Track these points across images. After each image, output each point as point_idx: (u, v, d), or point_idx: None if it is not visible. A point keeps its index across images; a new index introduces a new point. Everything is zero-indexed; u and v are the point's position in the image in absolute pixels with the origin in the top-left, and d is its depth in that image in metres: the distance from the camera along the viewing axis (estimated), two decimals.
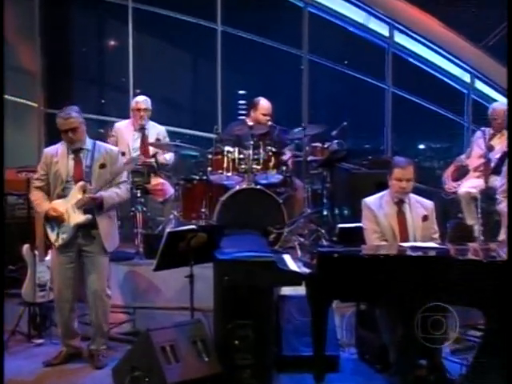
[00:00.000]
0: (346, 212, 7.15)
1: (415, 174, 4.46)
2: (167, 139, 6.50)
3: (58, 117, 4.62)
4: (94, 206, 4.58)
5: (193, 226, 4.58)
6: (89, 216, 4.58)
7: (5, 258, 5.20)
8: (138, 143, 6.30)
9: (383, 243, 4.38)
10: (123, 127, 6.41)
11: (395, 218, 4.44)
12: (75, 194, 4.59)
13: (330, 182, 6.34)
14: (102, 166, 4.64)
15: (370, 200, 4.54)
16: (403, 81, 8.76)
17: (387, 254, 3.97)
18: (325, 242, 5.92)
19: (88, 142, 4.70)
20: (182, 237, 4.41)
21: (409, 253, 3.94)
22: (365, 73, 8.67)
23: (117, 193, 4.68)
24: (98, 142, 4.77)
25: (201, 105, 9.11)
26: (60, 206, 4.61)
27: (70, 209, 4.58)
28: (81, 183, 4.60)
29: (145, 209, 6.10)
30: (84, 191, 4.58)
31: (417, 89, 8.79)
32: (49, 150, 4.75)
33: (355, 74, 8.67)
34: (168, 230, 4.73)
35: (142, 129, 6.33)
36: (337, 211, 6.78)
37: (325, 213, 6.30)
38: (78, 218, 4.58)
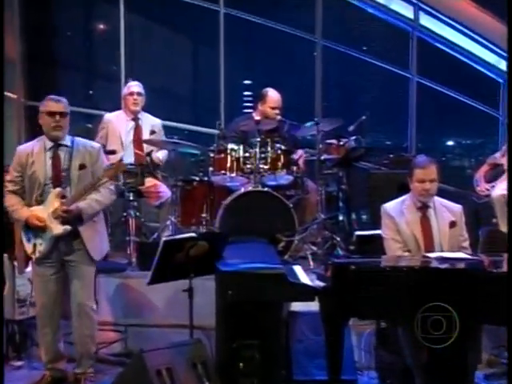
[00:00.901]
0: (364, 217, 7.16)
1: (439, 173, 4.49)
2: (162, 133, 6.56)
3: (46, 100, 4.67)
4: (72, 218, 4.59)
5: (192, 234, 4.60)
6: (67, 227, 4.58)
7: None
8: (131, 136, 6.36)
9: (406, 254, 4.41)
10: (114, 118, 6.48)
11: (418, 225, 4.47)
12: (52, 202, 4.59)
13: (346, 183, 6.36)
14: (82, 166, 4.63)
15: (390, 206, 4.56)
16: (430, 69, 8.76)
17: (410, 266, 3.99)
18: (340, 252, 5.95)
19: (67, 139, 4.71)
20: (180, 246, 4.43)
21: (435, 265, 3.96)
22: (386, 60, 8.67)
23: (97, 200, 4.64)
24: (77, 138, 4.76)
25: (201, 97, 9.15)
26: (41, 213, 4.60)
27: (47, 218, 4.59)
28: (57, 190, 4.60)
29: (138, 214, 6.14)
30: (62, 199, 4.59)
31: (445, 78, 8.79)
32: (23, 149, 4.73)
33: (375, 62, 8.67)
34: (164, 238, 4.75)
35: (135, 119, 6.39)
36: (354, 216, 6.78)
37: (340, 218, 6.32)
38: (55, 228, 4.58)
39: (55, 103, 4.64)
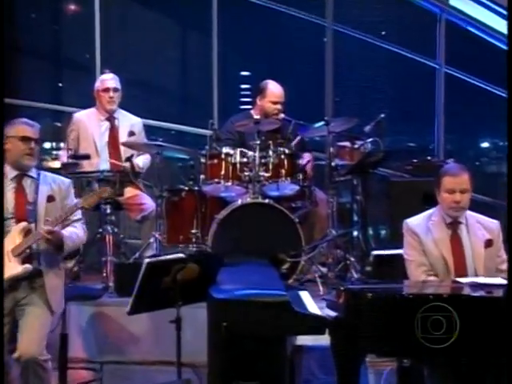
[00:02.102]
0: (383, 233, 7.18)
1: (472, 183, 4.51)
2: (143, 134, 6.58)
3: (16, 124, 4.76)
4: (54, 243, 4.59)
5: (180, 254, 4.62)
6: (28, 266, 4.60)
7: None
8: (106, 138, 6.39)
9: (432, 278, 4.42)
10: (86, 117, 6.51)
11: (448, 244, 4.48)
12: (14, 238, 4.61)
13: (361, 193, 6.37)
14: (50, 198, 4.70)
15: (414, 221, 4.58)
16: (461, 58, 8.78)
17: (438, 293, 4.00)
18: (355, 275, 5.95)
19: (33, 170, 4.80)
20: (166, 268, 4.44)
21: (467, 292, 3.97)
22: (409, 48, 8.69)
23: (77, 234, 4.74)
24: (43, 172, 4.87)
25: (191, 91, 9.16)
26: None
27: (6, 256, 4.59)
28: (22, 224, 4.64)
29: (116, 230, 6.14)
30: (26, 234, 4.61)
31: (479, 68, 8.81)
32: None
33: (396, 50, 8.70)
34: (147, 258, 4.76)
35: (110, 118, 6.42)
36: (371, 233, 6.80)
37: (355, 234, 6.33)
38: (13, 268, 4.58)
39: (30, 128, 4.74)
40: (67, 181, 4.93)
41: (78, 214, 4.82)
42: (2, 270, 4.55)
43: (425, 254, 4.46)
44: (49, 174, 4.89)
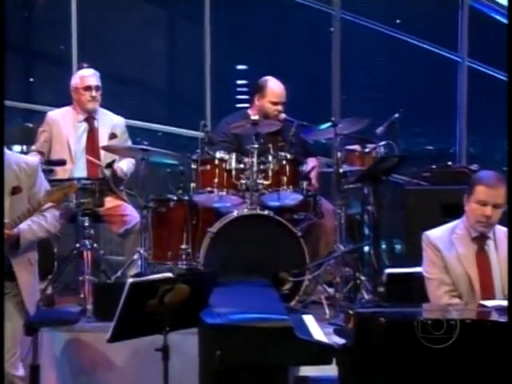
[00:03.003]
0: (397, 248, 7.18)
1: (506, 197, 4.47)
2: (126, 137, 6.59)
3: None
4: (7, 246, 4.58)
5: (168, 274, 4.62)
6: None
7: None
8: (84, 142, 6.40)
9: (455, 301, 4.43)
10: (61, 117, 6.51)
11: (473, 261, 4.49)
12: None
13: (373, 203, 6.37)
14: (16, 190, 4.64)
15: (435, 234, 4.58)
16: (485, 50, 8.79)
17: (462, 318, 3.99)
18: (366, 296, 5.95)
19: None
20: (152, 289, 4.43)
21: (495, 317, 3.96)
22: (427, 38, 8.71)
23: (40, 224, 4.68)
24: (8, 152, 4.74)
25: (181, 88, 9.17)
26: None
27: None
28: None
29: (95, 245, 6.15)
30: None
31: (506, 61, 8.82)
32: None
33: (412, 41, 8.73)
34: (131, 278, 4.76)
35: (89, 118, 6.42)
36: (384, 247, 6.80)
37: (366, 250, 6.34)
38: None
39: None
40: (34, 163, 4.82)
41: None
42: (3, 269, 4.53)
43: (447, 271, 4.47)
44: (13, 156, 4.77)
